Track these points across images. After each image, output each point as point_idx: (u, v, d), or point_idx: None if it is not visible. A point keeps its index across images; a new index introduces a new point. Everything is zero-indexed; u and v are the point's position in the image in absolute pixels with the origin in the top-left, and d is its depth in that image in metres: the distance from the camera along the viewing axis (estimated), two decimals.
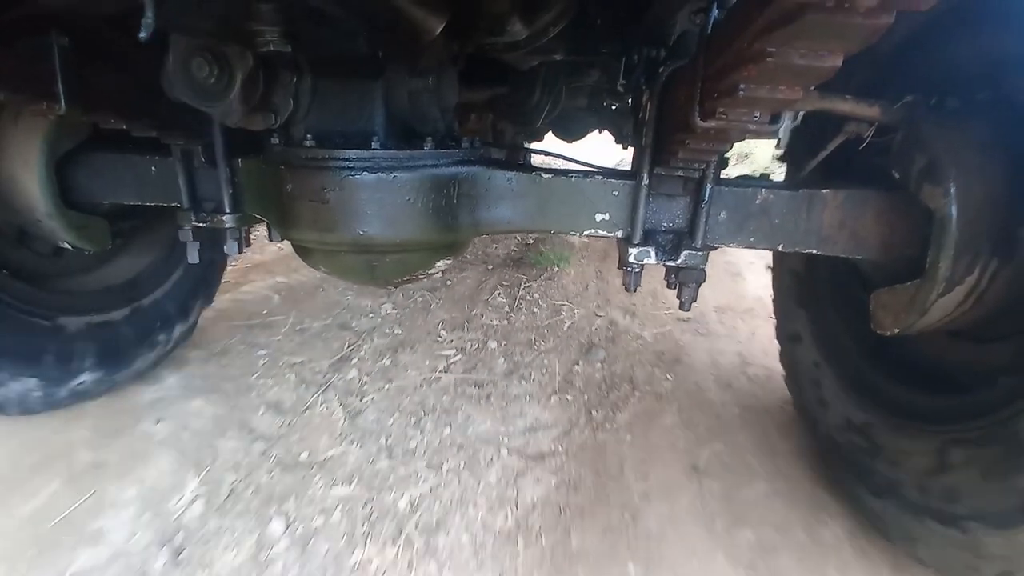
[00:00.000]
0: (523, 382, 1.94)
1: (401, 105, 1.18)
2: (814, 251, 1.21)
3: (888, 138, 1.12)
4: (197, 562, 1.23)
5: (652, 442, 1.65)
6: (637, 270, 1.23)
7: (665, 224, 1.22)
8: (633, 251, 1.20)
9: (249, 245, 1.53)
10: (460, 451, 1.58)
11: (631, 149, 2.43)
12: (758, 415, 1.81)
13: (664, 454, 1.61)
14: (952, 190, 1.00)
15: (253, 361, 2.01)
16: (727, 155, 1.16)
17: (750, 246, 1.23)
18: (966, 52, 1.13)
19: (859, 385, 1.43)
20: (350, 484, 1.44)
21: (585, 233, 1.26)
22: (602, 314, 2.53)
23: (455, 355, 2.10)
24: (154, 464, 1.49)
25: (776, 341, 1.79)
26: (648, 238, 1.21)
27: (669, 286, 1.28)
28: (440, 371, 1.98)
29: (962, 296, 1.08)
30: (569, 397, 1.87)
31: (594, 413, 1.79)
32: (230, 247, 1.43)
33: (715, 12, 0.84)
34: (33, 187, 1.40)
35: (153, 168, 1.46)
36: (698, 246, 1.19)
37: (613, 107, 2.89)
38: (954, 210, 1.00)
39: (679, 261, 1.19)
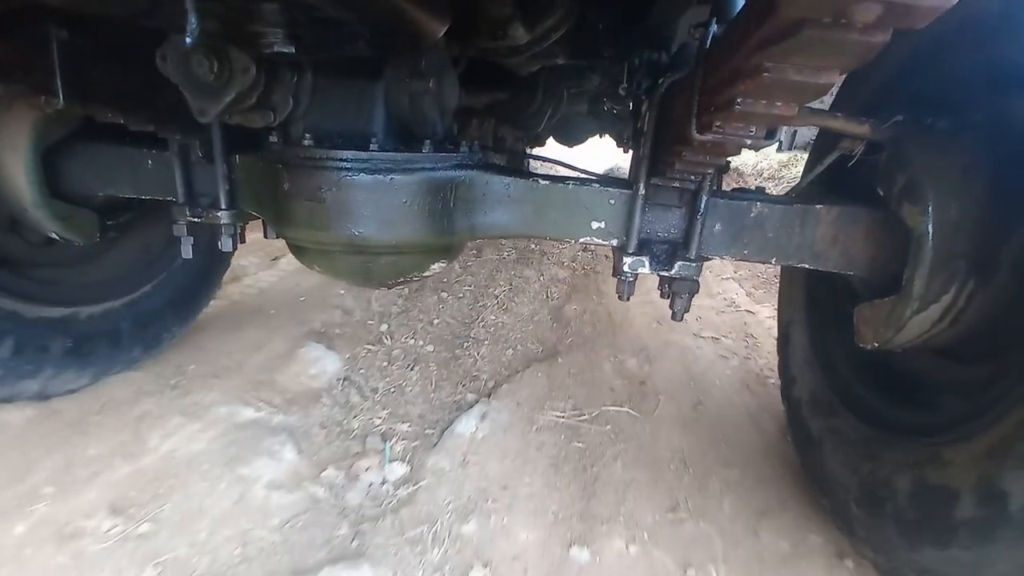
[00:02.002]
0: (550, 259, 3.68)
1: (401, 107, 1.19)
2: (807, 265, 1.22)
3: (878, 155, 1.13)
4: (406, 317, 2.54)
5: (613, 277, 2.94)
6: (631, 279, 1.24)
7: (660, 234, 1.23)
8: (628, 260, 1.21)
9: (244, 241, 1.53)
10: (519, 279, 3.22)
11: (631, 152, 2.49)
12: None
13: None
14: (930, 209, 1.02)
15: None
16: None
17: (744, 258, 1.23)
18: (964, 71, 1.14)
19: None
20: (470, 288, 3.00)
21: (581, 240, 1.26)
22: None
23: (511, 251, 3.80)
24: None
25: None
26: (643, 247, 1.22)
27: (663, 295, 1.29)
28: (504, 256, 3.69)
29: (938, 314, 1.09)
30: (574, 264, 3.65)
31: (585, 268, 3.58)
32: (225, 243, 1.43)
33: (714, 27, 0.85)
34: (20, 176, 1.40)
35: (149, 161, 1.46)
36: (692, 257, 1.19)
37: (614, 111, 2.93)
38: (930, 229, 1.02)
39: (673, 271, 1.20)
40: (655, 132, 1.12)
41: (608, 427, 1.79)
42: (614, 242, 1.25)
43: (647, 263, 1.21)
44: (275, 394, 1.79)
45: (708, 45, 0.85)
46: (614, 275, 1.27)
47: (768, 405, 1.97)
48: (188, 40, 0.72)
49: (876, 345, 1.17)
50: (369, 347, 2.18)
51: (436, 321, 2.50)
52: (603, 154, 5.82)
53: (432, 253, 1.27)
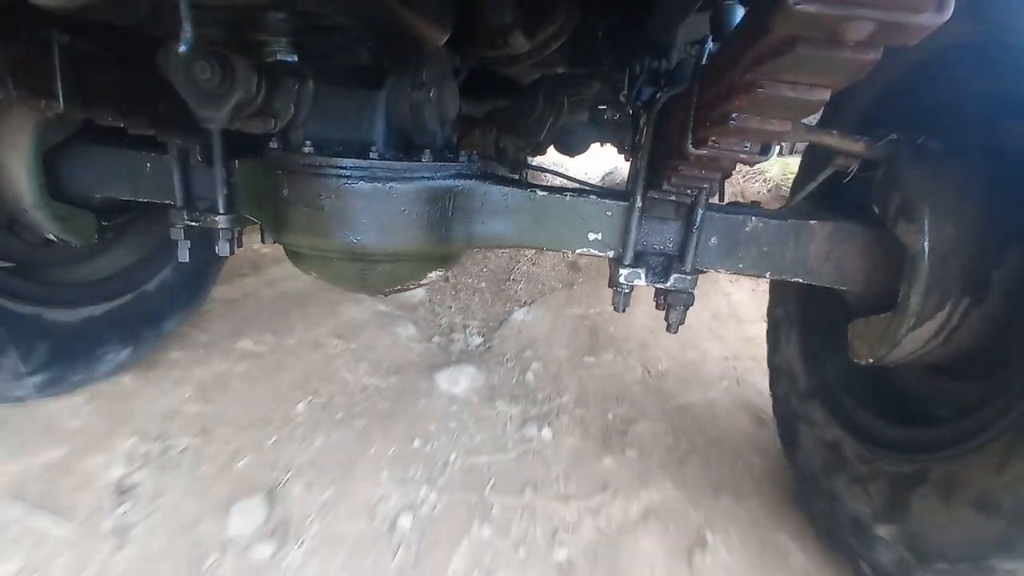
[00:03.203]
0: None
1: (402, 116, 1.20)
2: (800, 280, 1.23)
3: (873, 173, 1.15)
4: (461, 267, 3.33)
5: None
6: (626, 291, 1.24)
7: (656, 247, 1.24)
8: (624, 272, 1.21)
9: (241, 246, 1.53)
10: (538, 259, 3.79)
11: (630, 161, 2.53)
12: None
13: None
14: (925, 228, 1.03)
15: None
16: None
17: (738, 272, 1.24)
18: (958, 95, 1.16)
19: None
20: (501, 259, 3.68)
21: (577, 251, 1.27)
22: None
23: None
24: None
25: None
26: (639, 259, 1.22)
27: (658, 307, 1.30)
28: None
29: (932, 332, 1.10)
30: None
31: None
32: (222, 248, 1.43)
33: (710, 44, 0.86)
34: (20, 176, 1.40)
35: (148, 164, 1.46)
36: (687, 270, 1.20)
37: (615, 118, 2.96)
38: (926, 247, 1.03)
39: (668, 284, 1.21)
40: (652, 146, 1.13)
41: (607, 316, 2.86)
42: (610, 254, 1.25)
43: (643, 275, 1.21)
44: (392, 301, 2.72)
45: (704, 62, 0.87)
46: (610, 286, 1.28)
47: (707, 305, 3.11)
48: (182, 47, 0.73)
49: (870, 360, 1.17)
50: (440, 283, 3.08)
51: (484, 270, 3.44)
52: (603, 157, 5.97)
53: (429, 262, 1.27)
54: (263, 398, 1.81)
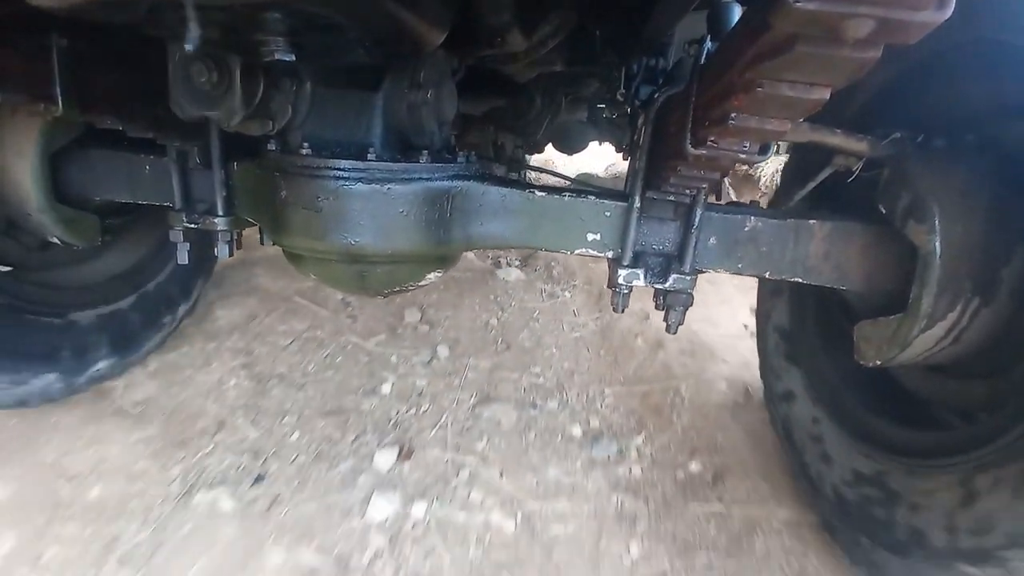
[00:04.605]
0: None
1: (399, 117, 1.19)
2: (800, 280, 1.22)
3: (875, 172, 1.14)
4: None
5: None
6: (625, 291, 1.24)
7: (655, 247, 1.23)
8: (623, 272, 1.21)
9: (240, 247, 1.52)
10: None
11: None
12: None
13: None
14: (936, 228, 1.02)
15: None
16: None
17: (737, 272, 1.24)
18: (954, 94, 1.16)
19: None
20: None
21: (576, 252, 1.26)
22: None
23: None
24: None
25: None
26: (638, 260, 1.22)
27: (657, 307, 1.29)
28: None
29: (943, 332, 1.09)
30: None
31: None
32: (220, 250, 1.42)
33: (709, 43, 0.86)
34: (26, 180, 1.39)
35: (147, 167, 1.46)
36: (686, 270, 1.19)
37: (613, 117, 2.97)
38: (938, 247, 1.02)
39: (667, 284, 1.20)
40: (651, 146, 1.13)
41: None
42: (609, 254, 1.25)
43: (642, 276, 1.21)
44: None
45: (703, 61, 0.86)
46: (609, 287, 1.28)
47: None
48: (188, 47, 0.72)
49: (878, 362, 1.16)
50: None
51: None
52: (605, 151, 6.07)
53: (428, 263, 1.27)
54: None
